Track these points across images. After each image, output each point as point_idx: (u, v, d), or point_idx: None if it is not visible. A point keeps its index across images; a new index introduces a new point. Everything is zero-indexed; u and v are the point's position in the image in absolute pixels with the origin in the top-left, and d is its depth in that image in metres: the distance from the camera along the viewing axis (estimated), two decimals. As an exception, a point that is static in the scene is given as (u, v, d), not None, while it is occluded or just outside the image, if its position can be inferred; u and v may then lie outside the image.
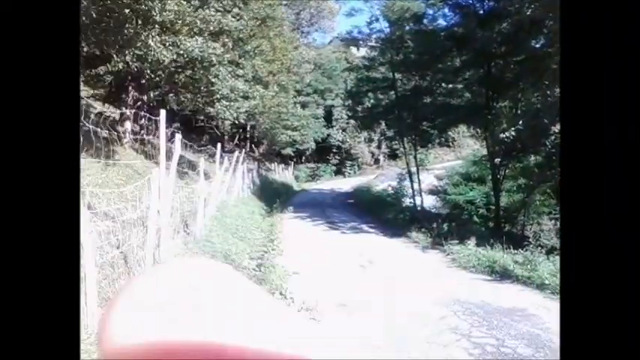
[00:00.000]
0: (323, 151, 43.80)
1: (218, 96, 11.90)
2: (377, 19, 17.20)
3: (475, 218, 15.86)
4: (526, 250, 8.05)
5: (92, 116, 7.36)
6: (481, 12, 13.88)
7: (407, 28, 16.29)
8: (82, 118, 3.35)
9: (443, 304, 5.93)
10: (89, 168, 7.00)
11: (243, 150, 20.69)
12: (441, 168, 26.13)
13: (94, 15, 8.92)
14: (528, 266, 7.37)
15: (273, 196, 18.22)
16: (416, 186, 17.28)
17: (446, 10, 15.16)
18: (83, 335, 3.06)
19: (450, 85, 16.85)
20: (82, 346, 2.98)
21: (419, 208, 16.43)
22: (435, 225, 11.34)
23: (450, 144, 45.61)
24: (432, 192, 19.75)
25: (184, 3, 9.22)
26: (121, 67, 10.12)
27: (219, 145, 11.14)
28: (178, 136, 6.51)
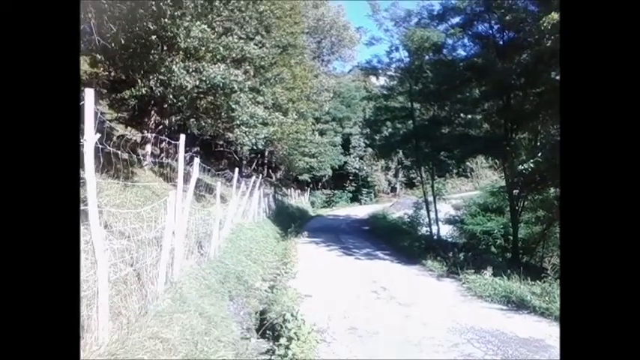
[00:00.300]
0: (340, 178, 43.94)
1: (238, 122, 12.08)
2: (397, 49, 17.36)
3: (492, 249, 15.58)
4: (544, 281, 7.84)
5: (114, 139, 7.56)
6: (501, 43, 13.89)
7: (426, 57, 16.32)
8: (103, 141, 3.48)
9: (456, 331, 5.80)
10: (108, 188, 7.12)
11: (261, 175, 20.87)
12: (458, 198, 25.89)
13: (122, 41, 9.28)
14: (546, 297, 7.17)
15: (289, 221, 18.28)
16: (432, 215, 17.12)
17: (465, 40, 15.23)
18: (94, 347, 3.11)
19: (469, 116, 16.77)
20: (92, 357, 3.02)
21: (435, 237, 16.22)
22: (451, 254, 11.16)
23: (468, 174, 45.36)
24: (448, 221, 19.51)
25: (208, 30, 9.50)
26: (144, 91, 10.42)
27: (236, 169, 11.30)
28: (197, 160, 6.66)
